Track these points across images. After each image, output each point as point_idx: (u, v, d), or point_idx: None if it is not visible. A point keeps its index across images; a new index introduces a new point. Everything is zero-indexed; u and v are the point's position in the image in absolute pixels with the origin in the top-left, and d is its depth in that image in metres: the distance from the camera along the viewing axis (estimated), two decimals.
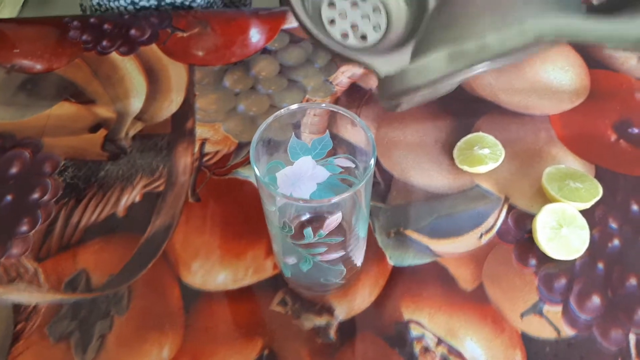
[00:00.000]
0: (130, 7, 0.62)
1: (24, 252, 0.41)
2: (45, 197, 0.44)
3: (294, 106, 0.31)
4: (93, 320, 0.38)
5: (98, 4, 0.63)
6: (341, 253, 0.33)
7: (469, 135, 0.46)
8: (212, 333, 0.37)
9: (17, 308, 0.39)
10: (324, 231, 0.30)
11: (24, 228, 0.42)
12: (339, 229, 0.32)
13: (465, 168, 0.44)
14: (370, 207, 0.42)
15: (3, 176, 0.45)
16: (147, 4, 0.61)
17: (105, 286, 0.39)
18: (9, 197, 0.44)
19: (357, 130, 0.31)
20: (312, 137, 0.35)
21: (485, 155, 0.44)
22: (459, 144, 0.45)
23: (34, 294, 0.39)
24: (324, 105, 0.32)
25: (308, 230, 0.30)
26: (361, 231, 0.34)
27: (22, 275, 0.40)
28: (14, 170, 0.45)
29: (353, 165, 0.34)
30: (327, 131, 0.34)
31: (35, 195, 0.44)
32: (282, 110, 0.31)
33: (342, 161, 0.34)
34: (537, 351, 0.37)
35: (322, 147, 0.34)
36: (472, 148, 0.44)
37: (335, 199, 0.28)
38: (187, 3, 0.62)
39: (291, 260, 0.34)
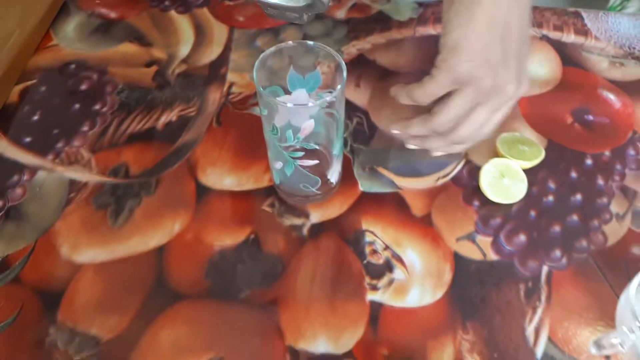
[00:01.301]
0: None
1: (83, 145, 0.53)
2: (104, 109, 0.56)
3: (291, 42, 0.42)
4: (127, 197, 0.50)
5: None
6: (316, 161, 0.44)
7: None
8: (213, 218, 0.48)
9: (72, 182, 0.51)
10: (301, 135, 0.41)
11: (85, 128, 0.55)
12: (315, 139, 0.42)
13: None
14: (354, 144, 0.53)
15: (75, 90, 0.58)
16: None
17: (140, 176, 0.51)
18: (77, 106, 0.56)
19: (335, 66, 0.41)
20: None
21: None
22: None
23: (86, 175, 0.51)
24: (311, 43, 0.42)
25: (289, 132, 0.41)
26: (334, 149, 0.44)
27: (79, 161, 0.52)
28: (83, 87, 0.58)
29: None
30: (318, 68, 0.44)
31: (97, 107, 0.56)
32: (282, 44, 0.42)
33: (329, 96, 0.45)
34: (464, 267, 0.46)
35: (314, 82, 0.45)
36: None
37: (311, 104, 0.38)
38: None
39: (278, 164, 0.45)
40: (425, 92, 0.45)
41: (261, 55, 0.41)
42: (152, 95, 0.57)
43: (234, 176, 0.51)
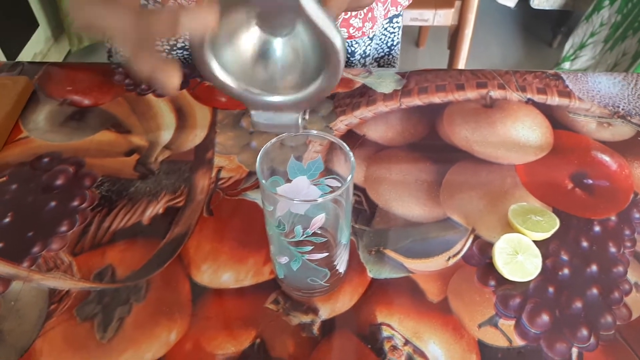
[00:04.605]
0: None
1: (62, 248, 0.49)
2: (83, 205, 0.52)
3: (293, 132, 0.40)
4: (115, 305, 0.45)
5: None
6: (325, 254, 0.40)
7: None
8: (213, 322, 0.44)
9: (52, 292, 0.46)
10: (310, 230, 0.38)
11: (64, 228, 0.50)
12: (324, 232, 0.39)
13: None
14: (356, 225, 0.50)
15: (49, 186, 0.53)
16: (160, 48, 0.72)
17: (127, 279, 0.47)
18: (53, 203, 0.52)
19: (341, 153, 0.39)
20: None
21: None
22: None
23: (67, 282, 0.46)
24: (314, 132, 0.40)
25: (298, 228, 0.38)
26: (343, 238, 0.41)
27: (58, 266, 0.47)
28: (59, 182, 0.54)
29: (340, 185, 0.42)
30: (319, 155, 0.42)
31: (75, 203, 0.52)
32: (284, 134, 0.40)
33: (331, 181, 0.42)
34: (490, 356, 0.42)
35: (315, 168, 0.42)
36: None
37: (319, 200, 0.35)
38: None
39: (284, 259, 0.41)
40: None
41: (262, 149, 0.38)
42: (135, 187, 0.54)
43: (231, 271, 0.47)
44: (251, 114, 0.37)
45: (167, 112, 0.61)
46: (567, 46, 1.76)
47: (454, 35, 1.47)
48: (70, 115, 0.61)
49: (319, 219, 0.37)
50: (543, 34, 2.12)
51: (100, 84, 0.65)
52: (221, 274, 0.47)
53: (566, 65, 1.78)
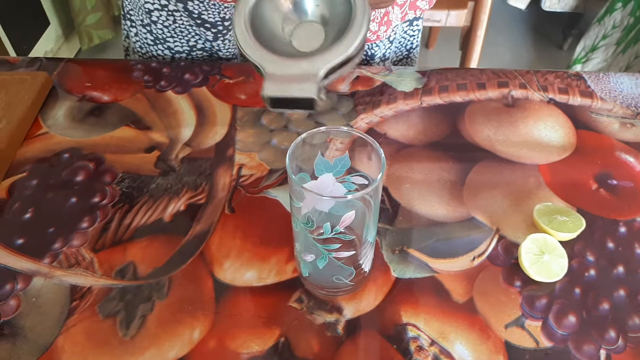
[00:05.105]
0: (167, 52, 0.72)
1: (83, 244, 0.48)
2: (104, 201, 0.52)
3: (322, 128, 0.40)
4: (137, 302, 0.45)
5: (140, 47, 0.74)
6: (352, 252, 0.40)
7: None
8: (237, 320, 0.44)
9: (74, 288, 0.45)
10: (340, 227, 0.37)
11: (85, 225, 0.50)
12: (351, 230, 0.39)
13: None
14: (378, 224, 0.49)
15: (70, 182, 0.53)
16: (180, 49, 0.72)
17: (150, 276, 0.46)
18: (73, 199, 0.52)
19: (370, 150, 0.39)
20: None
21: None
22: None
23: (89, 278, 0.46)
24: (344, 128, 0.40)
25: (327, 225, 0.37)
26: (369, 236, 0.41)
27: (80, 263, 0.47)
28: (79, 178, 0.54)
29: (367, 182, 0.42)
30: (347, 152, 0.41)
31: (96, 199, 0.52)
32: (313, 130, 0.39)
33: (358, 179, 0.42)
34: (517, 357, 0.42)
35: (342, 165, 0.42)
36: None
37: (349, 197, 0.35)
38: (215, 50, 0.72)
39: (310, 257, 0.41)
40: None
41: (291, 145, 0.38)
42: (156, 183, 0.53)
43: (254, 269, 0.47)
44: (263, 88, 0.36)
45: (187, 108, 0.61)
46: (579, 48, 1.75)
47: (466, 36, 1.46)
48: (89, 111, 0.61)
49: (349, 217, 0.37)
50: (554, 36, 2.11)
51: (119, 80, 0.64)
52: (244, 271, 0.47)
53: (577, 67, 1.77)
